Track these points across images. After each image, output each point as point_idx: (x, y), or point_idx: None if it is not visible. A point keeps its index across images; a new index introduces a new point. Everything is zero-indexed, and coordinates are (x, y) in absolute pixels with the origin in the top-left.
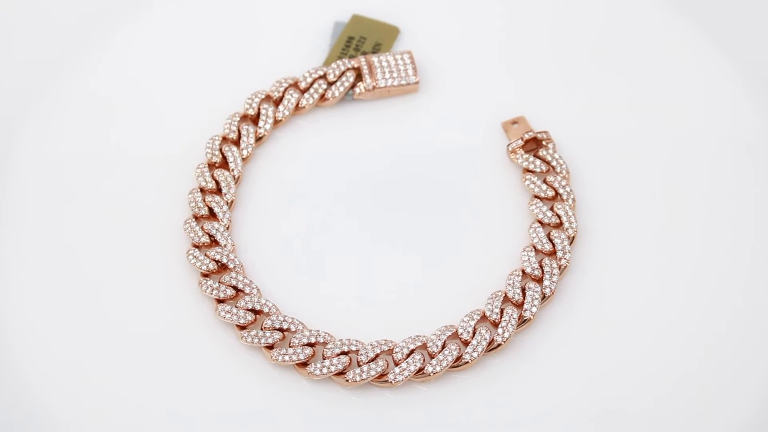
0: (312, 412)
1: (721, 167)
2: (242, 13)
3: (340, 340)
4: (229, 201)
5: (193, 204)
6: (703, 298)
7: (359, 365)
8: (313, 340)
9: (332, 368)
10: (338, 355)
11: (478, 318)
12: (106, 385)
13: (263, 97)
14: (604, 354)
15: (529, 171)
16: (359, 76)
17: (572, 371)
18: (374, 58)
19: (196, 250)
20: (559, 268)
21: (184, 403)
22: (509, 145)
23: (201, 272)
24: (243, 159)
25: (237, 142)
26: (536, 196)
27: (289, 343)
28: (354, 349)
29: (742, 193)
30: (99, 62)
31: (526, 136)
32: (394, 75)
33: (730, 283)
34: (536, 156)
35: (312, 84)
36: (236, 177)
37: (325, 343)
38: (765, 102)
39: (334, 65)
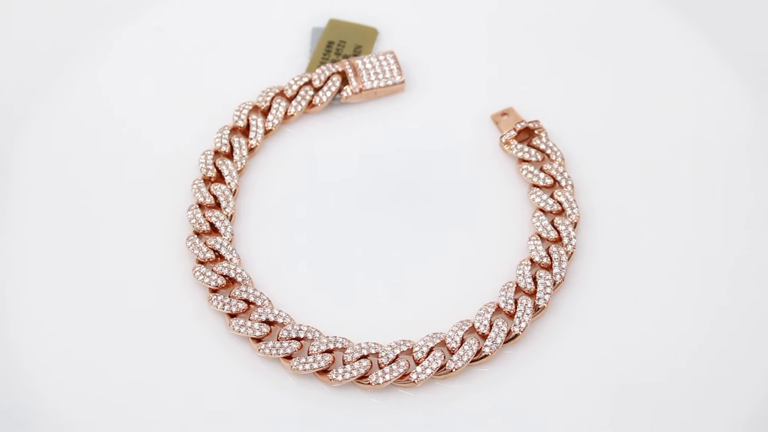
0: (331, 417)
1: (710, 147)
2: (216, 25)
3: (359, 344)
4: (229, 215)
5: (193, 221)
6: (710, 272)
7: (381, 367)
8: (331, 347)
9: (354, 372)
10: (359, 359)
11: (493, 310)
12: (108, 382)
13: (251, 107)
14: (620, 333)
15: (524, 161)
16: (345, 80)
17: (590, 352)
18: (358, 61)
19: (202, 266)
20: (567, 254)
21: (188, 404)
22: (502, 136)
23: (210, 288)
24: (238, 172)
25: (230, 155)
26: (535, 185)
27: (308, 351)
28: (374, 351)
29: (737, 168)
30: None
31: (519, 127)
32: (380, 76)
33: (743, 260)
34: (530, 145)
35: (298, 91)
36: (233, 190)
37: (344, 349)
38: (755, 85)
39: (318, 71)
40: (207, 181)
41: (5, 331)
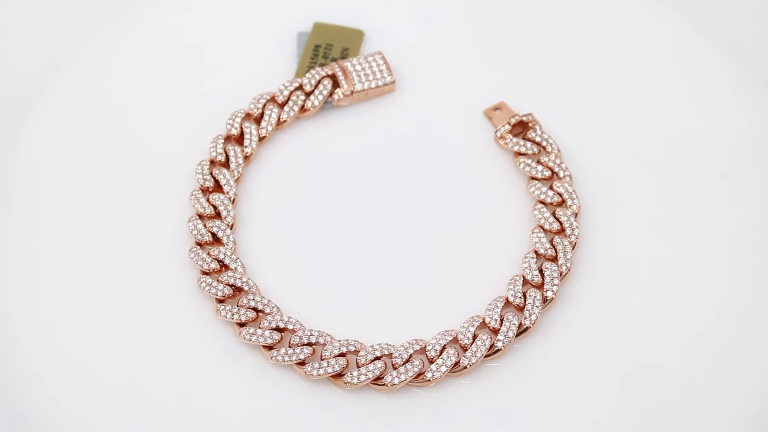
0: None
1: (706, 137)
2: (200, 33)
3: (372, 346)
4: (230, 224)
5: (195, 231)
6: (715, 259)
7: (395, 368)
8: (344, 350)
9: (369, 374)
10: (372, 361)
11: (502, 304)
12: (108, 385)
13: (243, 115)
14: (628, 321)
15: (521, 154)
16: (335, 83)
17: (600, 342)
18: (347, 63)
19: (207, 277)
20: (571, 245)
21: (202, 414)
22: (497, 131)
23: (216, 299)
24: (235, 180)
25: (226, 164)
26: (533, 178)
27: (321, 356)
28: (387, 352)
29: (734, 156)
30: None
31: (513, 121)
32: (370, 77)
33: (746, 246)
34: (525, 138)
35: (289, 97)
36: (232, 199)
37: (356, 351)
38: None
39: (308, 75)
40: (205, 191)
41: (4, 336)
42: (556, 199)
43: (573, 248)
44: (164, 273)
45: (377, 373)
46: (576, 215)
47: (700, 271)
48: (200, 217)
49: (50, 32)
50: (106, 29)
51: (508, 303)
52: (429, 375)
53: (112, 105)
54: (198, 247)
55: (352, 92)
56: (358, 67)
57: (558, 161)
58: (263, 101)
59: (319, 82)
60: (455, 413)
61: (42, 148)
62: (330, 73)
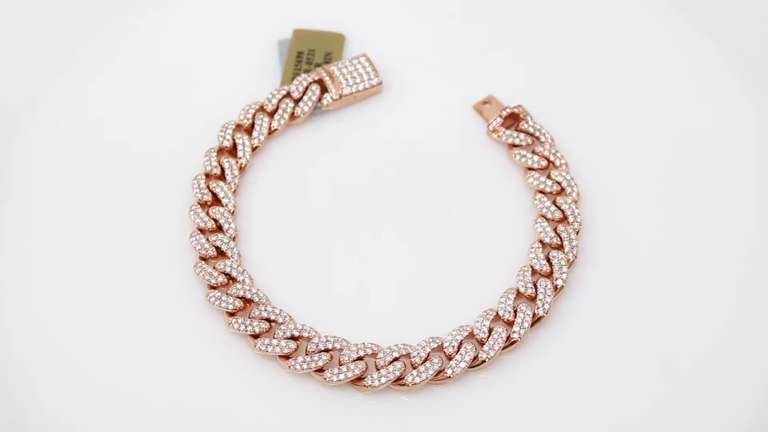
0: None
1: (708, 147)
2: (182, 45)
3: (389, 348)
4: (232, 236)
5: (198, 246)
6: (709, 262)
7: (414, 367)
8: (362, 354)
9: (390, 376)
10: (391, 362)
11: (514, 296)
12: (109, 386)
13: (234, 126)
14: (640, 313)
15: (515, 146)
16: (323, 89)
17: (614, 333)
18: (333, 68)
19: (215, 291)
20: (575, 231)
21: (193, 408)
22: (489, 124)
23: (227, 312)
24: (233, 192)
25: (222, 177)
26: (530, 168)
27: (339, 361)
28: (405, 353)
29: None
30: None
31: (504, 113)
32: (357, 80)
33: (750, 258)
34: (518, 130)
35: (278, 105)
36: (232, 211)
37: (374, 354)
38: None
39: (296, 81)
40: (203, 205)
41: (7, 339)
42: (555, 187)
43: (577, 235)
44: (171, 287)
45: (397, 374)
46: (576, 202)
47: (700, 249)
48: (201, 231)
49: (35, 50)
50: (83, 54)
51: (519, 294)
52: (449, 372)
53: (96, 123)
54: (203, 261)
55: (340, 96)
56: (344, 71)
57: (553, 150)
58: (253, 111)
59: (306, 88)
60: (477, 407)
61: (30, 165)
62: (317, 78)
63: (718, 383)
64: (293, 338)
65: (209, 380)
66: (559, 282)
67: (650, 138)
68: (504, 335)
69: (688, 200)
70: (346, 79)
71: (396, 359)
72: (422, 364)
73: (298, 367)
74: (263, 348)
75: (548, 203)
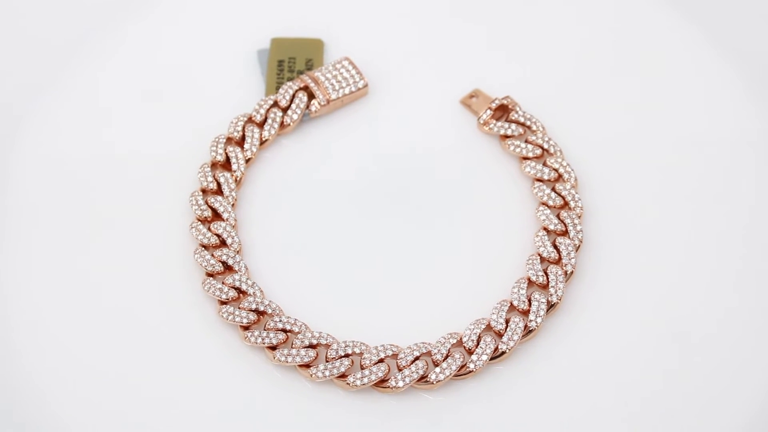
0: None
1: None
2: (161, 60)
3: (375, 348)
4: (237, 249)
5: (204, 263)
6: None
7: (436, 365)
8: (381, 356)
9: (414, 375)
10: (413, 361)
11: (526, 285)
12: (109, 383)
13: (225, 140)
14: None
15: (507, 137)
16: (310, 95)
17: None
18: (317, 73)
19: (228, 306)
20: (578, 216)
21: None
22: (479, 118)
23: (241, 326)
24: (232, 206)
25: (220, 191)
26: (525, 158)
27: (361, 365)
28: (425, 351)
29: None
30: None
31: (494, 105)
32: (343, 84)
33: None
34: (509, 121)
35: (267, 115)
36: (233, 224)
37: (395, 355)
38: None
39: (282, 90)
40: (203, 221)
41: (7, 336)
42: (553, 174)
43: (580, 218)
44: (181, 303)
45: (421, 373)
46: (575, 187)
47: (694, 224)
48: (205, 247)
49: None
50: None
51: (531, 283)
52: (471, 366)
53: (84, 142)
54: (210, 277)
55: (328, 101)
56: (329, 76)
57: (546, 138)
58: (242, 123)
59: (293, 96)
60: (502, 398)
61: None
62: (302, 85)
63: (733, 356)
64: (311, 346)
65: (226, 394)
66: (569, 267)
67: (642, 126)
68: (521, 325)
69: (684, 180)
70: (332, 84)
71: (417, 358)
72: (444, 360)
73: (320, 374)
74: (283, 359)
75: (548, 190)
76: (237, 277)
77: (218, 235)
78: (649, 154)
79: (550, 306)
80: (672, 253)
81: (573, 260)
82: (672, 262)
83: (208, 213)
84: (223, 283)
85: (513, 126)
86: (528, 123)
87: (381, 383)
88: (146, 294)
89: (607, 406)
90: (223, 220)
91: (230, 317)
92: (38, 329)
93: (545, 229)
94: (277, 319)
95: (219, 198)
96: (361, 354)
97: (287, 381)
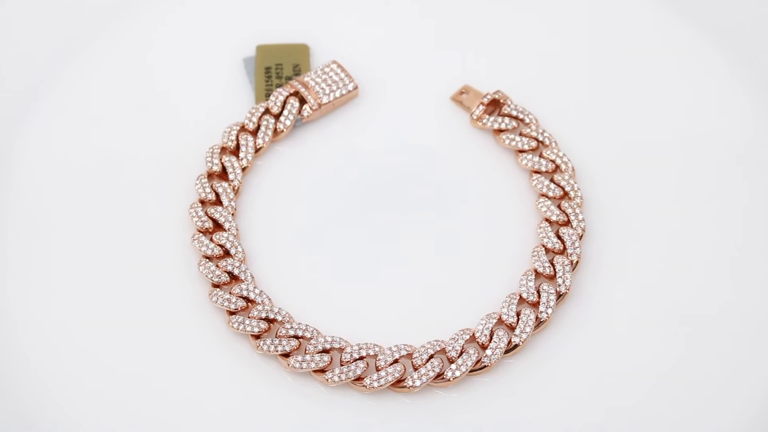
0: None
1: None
2: (147, 72)
3: (389, 348)
4: (241, 259)
5: (210, 274)
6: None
7: (451, 362)
8: (397, 356)
9: (430, 374)
10: (428, 360)
11: (533, 277)
12: (111, 381)
13: (220, 149)
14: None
15: (501, 131)
16: (301, 100)
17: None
18: (307, 78)
19: (236, 316)
20: (578, 206)
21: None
22: (472, 113)
23: (252, 334)
24: (232, 215)
25: (219, 202)
26: (521, 151)
27: (376, 366)
28: (439, 348)
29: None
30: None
31: (486, 100)
32: (333, 87)
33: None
34: (502, 115)
35: (260, 122)
36: (236, 234)
37: (409, 355)
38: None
39: (273, 97)
40: (204, 232)
41: (11, 333)
42: (550, 166)
43: (581, 209)
44: (172, 286)
45: (437, 371)
46: (572, 177)
47: (684, 220)
48: (209, 258)
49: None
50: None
51: (538, 274)
52: (486, 361)
53: (74, 150)
54: (217, 288)
55: (319, 105)
56: (318, 80)
57: (540, 130)
58: (235, 131)
59: (285, 102)
60: (514, 395)
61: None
62: (293, 91)
63: (741, 341)
64: (325, 351)
65: (241, 402)
66: (574, 257)
67: (638, 116)
68: (533, 317)
69: (678, 168)
70: (322, 88)
71: (432, 356)
72: (459, 357)
73: (336, 379)
74: (297, 365)
75: (546, 182)
76: (244, 286)
77: (221, 246)
78: (645, 143)
79: (559, 296)
80: (673, 239)
81: (578, 249)
82: (674, 247)
83: (209, 224)
84: (230, 293)
85: (506, 120)
86: (521, 116)
87: (397, 383)
88: (152, 309)
89: (623, 391)
90: (225, 230)
91: (240, 327)
92: (38, 329)
93: (547, 220)
94: (288, 326)
95: (219, 208)
96: (375, 356)
97: (299, 386)
